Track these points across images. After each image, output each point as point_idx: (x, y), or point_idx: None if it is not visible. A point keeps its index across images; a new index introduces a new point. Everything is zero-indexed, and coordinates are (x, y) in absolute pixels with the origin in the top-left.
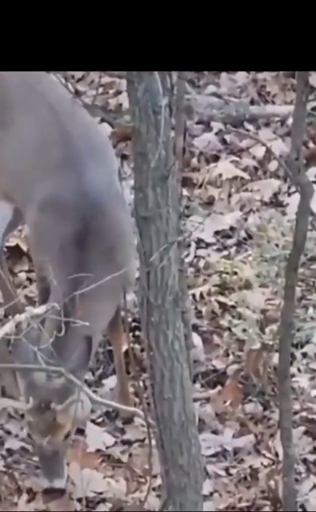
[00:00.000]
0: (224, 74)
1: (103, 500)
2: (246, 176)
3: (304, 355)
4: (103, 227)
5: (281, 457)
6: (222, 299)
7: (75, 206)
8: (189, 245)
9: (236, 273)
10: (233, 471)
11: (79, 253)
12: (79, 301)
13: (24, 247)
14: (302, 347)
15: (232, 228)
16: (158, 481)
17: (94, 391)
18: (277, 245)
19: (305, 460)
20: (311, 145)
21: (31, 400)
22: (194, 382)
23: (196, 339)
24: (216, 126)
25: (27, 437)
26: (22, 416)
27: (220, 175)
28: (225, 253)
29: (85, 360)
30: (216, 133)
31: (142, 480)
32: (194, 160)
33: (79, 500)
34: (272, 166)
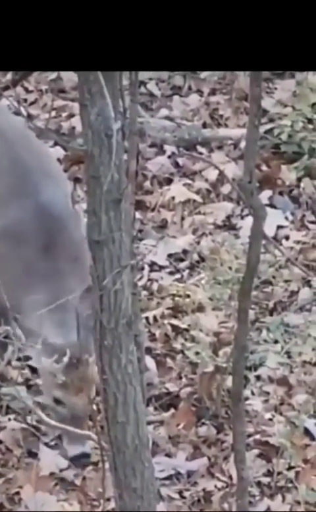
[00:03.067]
0: (176, 97)
1: None
2: (199, 199)
3: (258, 377)
4: (67, 237)
5: (235, 480)
6: (175, 322)
7: (36, 225)
8: (142, 269)
9: (188, 296)
10: (186, 494)
11: (50, 264)
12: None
13: None
14: (256, 369)
15: (184, 251)
16: (112, 504)
17: (47, 415)
18: (230, 268)
19: (258, 483)
20: (264, 168)
21: (66, 358)
22: (147, 405)
23: (149, 362)
24: (169, 149)
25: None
26: None
27: (173, 198)
28: (178, 276)
29: None
30: (169, 156)
31: (96, 503)
32: (147, 183)
33: None
34: (225, 189)
